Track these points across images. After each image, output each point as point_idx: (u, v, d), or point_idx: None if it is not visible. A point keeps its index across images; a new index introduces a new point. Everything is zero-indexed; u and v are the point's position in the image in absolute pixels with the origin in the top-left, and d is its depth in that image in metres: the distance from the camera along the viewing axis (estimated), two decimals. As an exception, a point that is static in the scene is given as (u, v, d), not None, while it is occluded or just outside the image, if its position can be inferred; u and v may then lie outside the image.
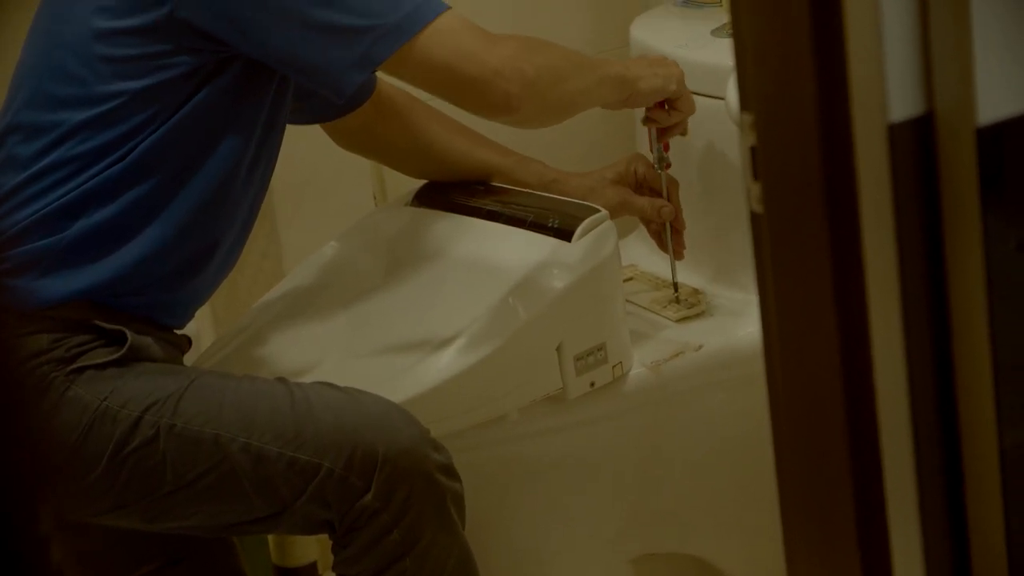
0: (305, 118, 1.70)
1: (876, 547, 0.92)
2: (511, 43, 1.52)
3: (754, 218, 0.91)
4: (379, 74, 1.56)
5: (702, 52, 1.83)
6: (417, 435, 1.47)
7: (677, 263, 1.81)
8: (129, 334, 1.46)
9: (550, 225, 1.66)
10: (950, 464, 0.92)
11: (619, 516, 1.78)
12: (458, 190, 1.78)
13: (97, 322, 1.45)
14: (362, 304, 1.70)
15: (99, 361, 1.44)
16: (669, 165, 1.75)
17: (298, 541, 2.03)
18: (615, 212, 1.71)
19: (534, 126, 1.58)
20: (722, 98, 1.68)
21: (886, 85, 0.84)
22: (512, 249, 1.66)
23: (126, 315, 1.48)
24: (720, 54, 1.78)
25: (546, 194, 1.76)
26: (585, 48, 2.14)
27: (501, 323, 1.57)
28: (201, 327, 1.82)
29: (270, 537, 1.99)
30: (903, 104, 0.85)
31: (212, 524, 1.49)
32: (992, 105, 0.84)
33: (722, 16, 1.92)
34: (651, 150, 1.75)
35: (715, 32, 1.89)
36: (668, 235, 1.77)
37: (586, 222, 1.64)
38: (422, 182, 1.83)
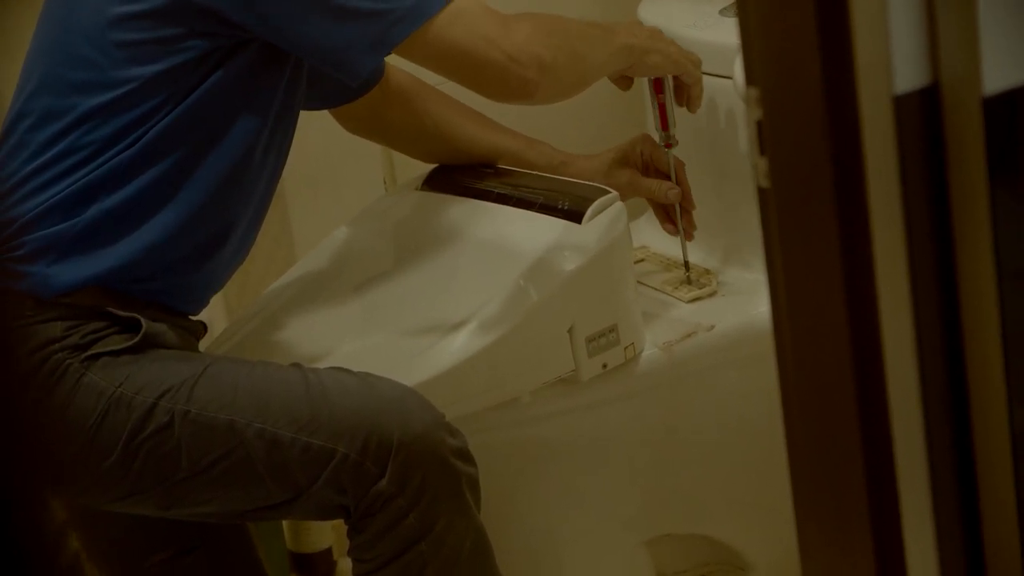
0: (315, 103, 1.69)
1: (888, 524, 0.92)
2: (526, 25, 1.52)
3: (761, 193, 0.91)
4: (391, 58, 1.56)
5: (710, 32, 1.83)
6: (432, 420, 1.47)
7: (688, 244, 1.81)
8: (144, 321, 1.46)
9: (560, 207, 1.66)
10: (960, 440, 0.92)
11: (633, 497, 1.78)
12: (467, 173, 1.79)
13: (110, 309, 1.45)
14: (374, 288, 1.70)
15: (114, 348, 1.44)
16: (670, 145, 1.74)
17: (313, 527, 2.03)
18: (623, 193, 1.71)
19: (548, 103, 1.58)
20: (731, 77, 1.68)
21: (891, 56, 0.83)
22: (523, 231, 1.66)
23: (141, 302, 1.48)
24: (728, 34, 1.78)
25: (555, 176, 1.76)
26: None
27: (513, 305, 1.57)
28: (213, 314, 1.82)
29: (285, 523, 2.00)
30: (908, 75, 0.84)
31: (227, 510, 1.49)
32: (998, 74, 0.84)
33: (730, -4, 1.91)
34: (655, 128, 1.75)
35: (723, 12, 1.88)
36: (679, 216, 1.77)
37: (596, 203, 1.64)
38: (431, 166, 1.83)
